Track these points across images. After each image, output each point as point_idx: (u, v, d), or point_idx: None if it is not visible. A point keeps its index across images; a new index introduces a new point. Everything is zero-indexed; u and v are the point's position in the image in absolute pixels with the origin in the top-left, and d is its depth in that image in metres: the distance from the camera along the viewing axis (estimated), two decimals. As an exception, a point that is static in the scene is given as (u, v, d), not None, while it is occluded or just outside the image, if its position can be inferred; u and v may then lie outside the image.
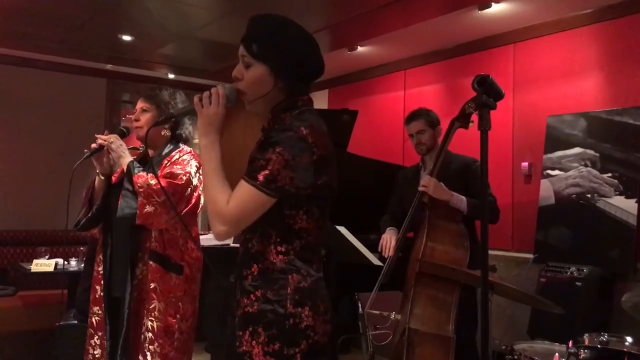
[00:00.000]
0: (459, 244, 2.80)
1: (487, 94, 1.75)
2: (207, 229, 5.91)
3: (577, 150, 3.89)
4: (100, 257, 2.57)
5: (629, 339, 2.37)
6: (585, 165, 3.82)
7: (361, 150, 4.52)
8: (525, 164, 4.26)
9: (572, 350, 2.38)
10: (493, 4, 3.88)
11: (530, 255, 4.01)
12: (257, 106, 1.66)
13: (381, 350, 2.91)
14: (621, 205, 3.60)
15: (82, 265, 4.58)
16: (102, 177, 2.59)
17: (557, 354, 2.51)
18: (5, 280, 5.31)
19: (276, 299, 1.53)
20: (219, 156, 1.61)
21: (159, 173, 2.50)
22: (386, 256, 3.08)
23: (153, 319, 2.42)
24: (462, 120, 2.83)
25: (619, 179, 3.64)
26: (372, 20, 4.50)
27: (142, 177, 2.45)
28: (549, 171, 4.02)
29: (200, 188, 2.54)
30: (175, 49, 5.65)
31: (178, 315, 2.46)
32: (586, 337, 2.43)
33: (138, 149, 2.76)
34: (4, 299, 5.02)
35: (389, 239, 3.15)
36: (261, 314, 1.53)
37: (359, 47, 5.04)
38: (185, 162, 2.52)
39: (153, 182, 2.42)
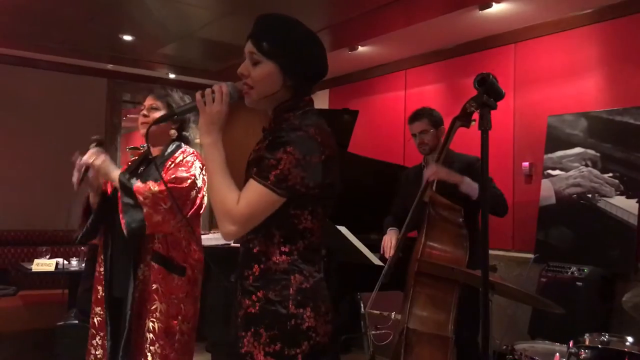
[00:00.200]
0: (458, 243, 2.79)
1: (488, 93, 1.75)
2: (208, 229, 5.92)
3: (577, 150, 3.89)
4: (102, 257, 2.56)
5: (630, 339, 2.37)
6: (586, 165, 3.82)
7: (362, 150, 4.51)
8: (526, 163, 4.26)
9: (573, 350, 2.38)
10: (494, 3, 3.89)
11: (531, 255, 4.01)
12: (261, 105, 1.65)
13: (382, 350, 2.91)
14: (622, 205, 3.60)
15: (83, 265, 4.59)
16: (94, 193, 2.55)
17: (557, 354, 2.51)
18: (6, 280, 5.32)
19: (278, 300, 1.52)
20: (223, 155, 1.60)
21: (163, 174, 2.48)
22: (386, 256, 3.08)
23: (154, 320, 2.41)
24: (463, 119, 2.82)
25: (619, 179, 3.64)
26: (373, 20, 4.50)
27: (142, 187, 2.39)
28: (550, 171, 4.02)
29: (205, 189, 2.52)
30: (175, 48, 5.65)
31: (179, 317, 2.46)
32: (587, 337, 2.43)
33: (139, 149, 2.74)
34: (5, 299, 5.02)
35: (389, 240, 3.16)
36: (263, 314, 1.53)
37: (359, 47, 5.04)
38: (190, 164, 2.50)
39: (156, 188, 2.38)
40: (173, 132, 2.61)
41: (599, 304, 3.53)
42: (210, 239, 4.28)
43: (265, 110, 1.69)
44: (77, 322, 4.00)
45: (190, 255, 2.51)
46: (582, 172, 3.83)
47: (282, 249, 1.56)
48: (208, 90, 1.60)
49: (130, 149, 2.65)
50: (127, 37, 5.30)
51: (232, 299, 1.66)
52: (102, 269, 2.54)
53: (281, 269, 1.55)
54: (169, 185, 2.39)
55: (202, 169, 2.52)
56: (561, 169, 3.96)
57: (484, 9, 3.97)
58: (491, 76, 1.75)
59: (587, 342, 2.39)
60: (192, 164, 2.50)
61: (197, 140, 2.58)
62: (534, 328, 3.69)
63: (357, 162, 4.11)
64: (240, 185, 1.59)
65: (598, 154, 3.78)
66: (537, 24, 4.24)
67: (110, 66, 6.14)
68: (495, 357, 2.82)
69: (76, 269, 4.58)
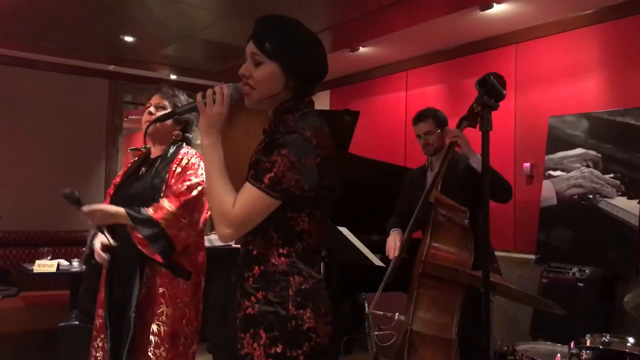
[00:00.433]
0: (463, 245, 2.76)
1: (489, 94, 1.75)
2: (209, 229, 5.91)
3: (579, 150, 3.88)
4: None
5: (631, 340, 2.37)
6: (587, 166, 3.82)
7: (363, 151, 4.52)
8: (527, 164, 4.26)
9: (574, 351, 2.38)
10: (494, 4, 3.89)
11: (532, 256, 4.01)
12: (261, 105, 1.65)
13: (385, 350, 2.91)
14: (623, 206, 3.60)
15: (84, 266, 4.59)
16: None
17: (559, 354, 2.51)
18: (7, 281, 5.33)
19: (278, 301, 1.52)
20: (222, 157, 1.60)
21: (169, 177, 2.46)
22: (390, 257, 3.07)
23: (160, 324, 2.40)
24: (470, 119, 2.82)
25: (621, 179, 3.64)
26: (374, 21, 4.50)
27: (160, 211, 2.36)
28: (551, 172, 4.02)
29: None
30: (177, 49, 5.66)
31: (184, 321, 2.45)
32: (588, 337, 2.43)
33: (140, 150, 2.73)
34: (7, 300, 5.03)
35: (393, 241, 3.15)
36: (262, 315, 1.53)
37: (360, 47, 5.04)
38: (196, 166, 2.48)
39: (173, 208, 2.37)
40: (177, 132, 2.61)
41: (600, 305, 3.53)
42: (212, 239, 4.28)
43: (266, 112, 1.69)
44: (78, 323, 4.00)
45: (196, 259, 2.51)
46: (583, 172, 3.83)
47: (281, 250, 1.56)
48: (209, 92, 1.60)
49: (131, 150, 2.63)
50: (128, 38, 5.30)
51: (232, 300, 1.66)
52: (105, 271, 2.53)
53: (280, 270, 1.55)
54: (183, 199, 2.39)
55: None
56: (562, 170, 3.96)
57: (485, 10, 3.97)
58: (492, 77, 1.76)
59: (588, 343, 2.40)
60: (199, 166, 2.49)
61: (198, 142, 2.57)
62: (535, 329, 3.69)
63: (358, 163, 4.12)
64: (241, 186, 1.59)
65: (599, 155, 3.78)
66: (538, 24, 4.24)
67: (111, 67, 6.15)
68: (497, 358, 2.81)
69: (77, 270, 4.58)
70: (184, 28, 4.98)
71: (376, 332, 2.85)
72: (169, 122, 2.54)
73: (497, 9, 3.95)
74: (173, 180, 2.46)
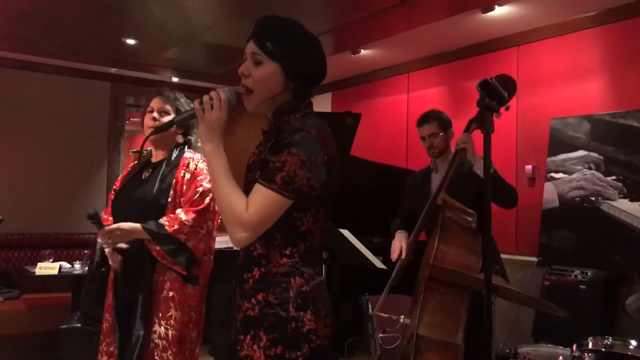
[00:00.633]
0: (471, 249, 2.73)
1: (490, 96, 1.75)
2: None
3: (581, 153, 3.88)
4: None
5: (634, 343, 2.37)
6: (589, 168, 3.82)
7: (364, 153, 4.52)
8: (529, 166, 4.26)
9: (576, 354, 2.38)
10: (496, 6, 3.89)
11: (534, 259, 4.00)
12: (261, 108, 1.64)
13: (389, 353, 2.91)
14: (625, 208, 3.59)
15: (87, 268, 4.60)
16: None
17: (561, 357, 2.50)
18: (10, 283, 5.33)
19: (278, 303, 1.52)
20: (226, 161, 1.58)
21: (177, 183, 2.46)
22: (394, 260, 3.06)
23: (168, 327, 2.39)
24: (479, 121, 2.82)
25: (623, 181, 3.63)
26: (376, 24, 4.51)
27: (177, 224, 2.37)
28: (553, 174, 4.02)
29: None
30: (179, 52, 5.67)
31: (191, 325, 2.46)
32: (590, 340, 2.42)
33: (142, 153, 2.70)
34: (9, 302, 5.04)
35: (399, 243, 3.13)
36: (263, 317, 1.52)
37: (362, 50, 5.04)
38: (205, 172, 2.48)
39: (190, 221, 2.38)
40: (179, 137, 2.61)
41: (602, 307, 3.52)
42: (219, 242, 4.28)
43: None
44: (79, 325, 4.00)
45: (204, 265, 2.51)
46: (586, 175, 3.82)
47: (283, 251, 1.55)
48: (206, 97, 1.58)
49: (133, 152, 2.63)
50: (130, 41, 5.32)
51: (233, 302, 1.66)
52: (112, 275, 2.52)
53: (281, 271, 1.54)
54: (197, 208, 2.40)
55: None
56: (564, 172, 3.95)
57: (487, 12, 3.97)
58: (494, 79, 1.76)
59: (590, 346, 2.39)
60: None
61: (200, 144, 2.57)
62: (538, 331, 3.68)
63: (359, 165, 4.12)
64: (242, 188, 1.58)
65: (601, 157, 3.77)
66: (540, 27, 4.24)
67: (113, 70, 6.16)
68: (499, 360, 2.81)
69: (79, 272, 4.58)
70: (185, 31, 4.99)
71: (380, 335, 2.84)
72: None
73: (498, 11, 3.95)
74: (184, 187, 2.46)
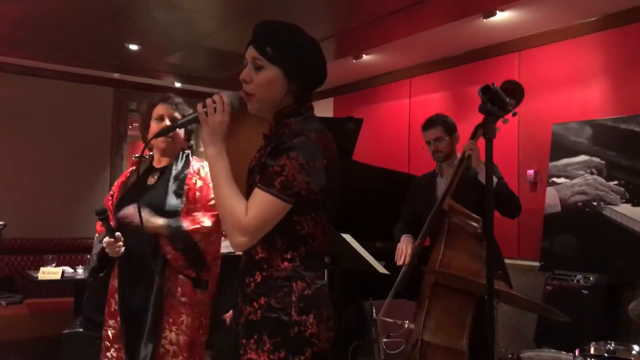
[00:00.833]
0: (476, 254, 2.72)
1: (492, 102, 1.76)
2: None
3: (582, 157, 3.88)
4: (116, 271, 2.50)
5: (636, 348, 2.36)
6: (591, 173, 3.82)
7: (366, 158, 4.52)
8: (530, 171, 4.26)
9: (579, 359, 2.37)
10: (498, 12, 3.89)
11: (536, 263, 4.00)
12: (263, 111, 1.65)
13: (393, 358, 2.90)
14: (627, 213, 3.59)
15: (91, 278, 4.60)
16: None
17: (563, 362, 2.50)
18: (12, 288, 5.34)
19: (280, 307, 1.52)
20: (228, 166, 1.58)
21: (190, 189, 2.47)
22: (400, 264, 3.05)
23: (180, 333, 2.39)
24: (485, 126, 2.81)
25: (625, 186, 3.63)
26: (378, 29, 4.52)
27: (194, 225, 2.39)
28: (555, 179, 4.02)
29: None
30: (181, 57, 5.69)
31: (201, 330, 2.46)
32: (593, 345, 2.42)
33: (145, 157, 2.69)
34: (12, 307, 5.04)
35: (404, 248, 3.12)
36: (265, 321, 1.53)
37: (364, 55, 5.06)
38: None
39: (204, 219, 2.41)
40: (186, 142, 2.61)
41: (604, 312, 3.51)
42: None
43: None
44: (82, 330, 4.01)
45: (213, 270, 2.51)
46: (587, 179, 3.83)
47: (285, 255, 1.55)
48: (209, 101, 1.59)
49: (136, 157, 2.61)
50: (133, 47, 5.34)
51: (234, 306, 1.66)
52: (115, 282, 2.50)
53: (283, 275, 1.54)
54: (215, 213, 2.41)
55: None
56: (566, 177, 3.95)
57: (488, 17, 3.98)
58: (494, 85, 1.76)
59: (593, 351, 2.39)
60: None
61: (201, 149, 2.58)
62: (540, 336, 3.67)
63: (361, 170, 4.12)
64: (243, 192, 1.59)
65: (603, 162, 3.77)
66: (541, 32, 4.24)
67: (116, 75, 6.18)
68: (501, 365, 2.80)
69: (82, 277, 4.59)
70: (188, 36, 5.01)
71: (384, 339, 2.84)
72: (182, 134, 2.55)
73: (500, 16, 3.96)
74: (197, 194, 2.47)
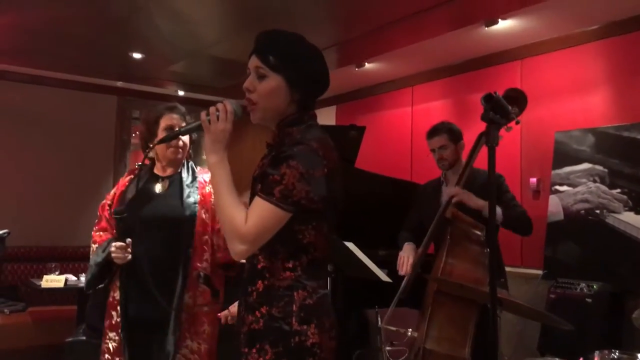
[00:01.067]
0: (480, 262, 2.72)
1: (494, 110, 1.76)
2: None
3: (585, 165, 3.88)
4: (117, 283, 2.46)
5: (640, 357, 2.35)
6: (594, 181, 3.81)
7: (369, 166, 4.52)
8: (533, 179, 4.26)
9: (583, 368, 2.37)
10: (500, 20, 3.91)
11: (540, 272, 3.99)
12: (266, 120, 1.65)
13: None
14: (630, 221, 3.59)
15: (89, 291, 4.60)
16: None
17: (567, 371, 2.49)
18: (15, 296, 5.35)
19: (281, 316, 1.52)
20: (229, 174, 1.59)
21: (205, 197, 2.47)
22: (402, 274, 3.04)
23: (201, 342, 2.40)
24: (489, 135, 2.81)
25: (628, 194, 3.63)
26: (380, 37, 4.53)
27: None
28: (558, 187, 4.02)
29: None
30: (185, 66, 5.71)
31: (217, 338, 2.48)
32: (597, 354, 2.41)
33: (145, 166, 2.66)
34: (15, 315, 5.04)
35: (406, 257, 3.10)
36: (267, 330, 1.53)
37: (366, 63, 5.07)
38: None
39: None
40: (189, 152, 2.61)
41: (608, 321, 3.50)
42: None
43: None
44: (85, 338, 4.00)
45: (222, 278, 2.52)
46: (590, 188, 3.82)
47: (286, 264, 1.56)
48: (212, 109, 1.60)
49: (139, 165, 2.61)
50: (137, 55, 5.36)
51: (237, 315, 1.66)
52: (116, 294, 2.46)
53: (285, 285, 1.55)
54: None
55: None
56: (569, 185, 3.95)
57: (490, 26, 3.99)
58: (496, 93, 1.77)
59: (596, 360, 2.38)
60: None
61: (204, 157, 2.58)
62: (543, 345, 3.66)
63: (364, 178, 4.12)
64: (250, 201, 1.59)
65: (606, 170, 3.77)
66: (544, 40, 4.25)
67: (120, 83, 6.21)
68: (504, 374, 2.80)
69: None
70: (191, 45, 5.03)
71: (388, 348, 2.83)
72: (188, 143, 2.56)
73: (502, 25, 3.97)
74: (212, 201, 2.46)
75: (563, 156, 4.02)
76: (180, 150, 2.51)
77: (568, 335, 2.75)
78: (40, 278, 4.64)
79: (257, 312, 1.55)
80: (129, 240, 2.34)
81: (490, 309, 1.76)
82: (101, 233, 2.55)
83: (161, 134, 2.49)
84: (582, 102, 4.05)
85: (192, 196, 2.47)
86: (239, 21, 4.45)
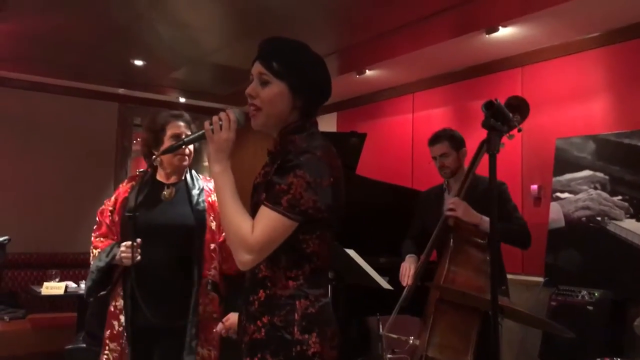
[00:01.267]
0: (482, 270, 2.70)
1: (495, 117, 1.77)
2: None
3: (586, 172, 3.88)
4: (119, 291, 2.44)
5: (642, 364, 2.35)
6: (595, 188, 3.81)
7: (370, 173, 4.52)
8: (534, 186, 4.26)
9: (584, 375, 2.36)
10: (500, 28, 3.92)
11: (541, 279, 3.98)
12: (268, 128, 1.64)
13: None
14: (632, 228, 3.58)
15: (90, 299, 4.59)
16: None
17: (569, 379, 2.48)
18: (15, 303, 5.33)
19: (283, 325, 1.51)
20: (233, 182, 1.58)
21: (210, 207, 2.47)
22: (404, 285, 3.03)
23: (211, 348, 2.42)
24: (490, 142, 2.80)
25: (629, 201, 3.63)
26: (381, 45, 4.55)
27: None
28: (559, 194, 4.01)
29: None
30: (186, 73, 5.72)
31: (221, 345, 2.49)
32: (598, 361, 2.41)
33: (147, 172, 2.66)
34: (14, 322, 5.03)
35: (408, 267, 3.08)
36: (269, 340, 1.52)
37: (367, 70, 5.08)
38: None
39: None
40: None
41: (610, 328, 3.49)
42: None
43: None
44: (85, 345, 3.99)
45: (226, 285, 2.53)
46: (591, 194, 3.82)
47: (288, 273, 1.55)
48: (215, 118, 1.59)
49: (141, 171, 2.61)
50: (138, 62, 5.37)
51: (238, 324, 1.66)
52: (117, 303, 2.43)
53: (287, 294, 1.54)
54: None
55: None
56: (570, 192, 3.95)
57: (491, 33, 4.01)
58: (497, 101, 1.78)
59: (598, 367, 2.37)
60: None
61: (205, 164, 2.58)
62: (545, 352, 3.65)
63: (365, 184, 4.12)
64: (248, 209, 1.58)
65: (607, 177, 3.77)
66: (544, 47, 4.26)
67: (121, 90, 6.22)
68: (506, 382, 2.78)
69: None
70: (193, 52, 5.04)
71: (389, 355, 2.82)
72: (193, 151, 2.56)
73: (503, 32, 3.98)
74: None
75: (564, 163, 4.02)
76: (187, 157, 2.52)
77: (569, 343, 2.74)
78: (41, 285, 4.63)
79: (258, 322, 1.54)
80: (139, 240, 2.30)
81: (492, 317, 1.75)
82: (102, 239, 2.53)
83: (167, 142, 2.47)
84: (583, 109, 4.05)
85: (201, 204, 2.48)
86: (240, 28, 4.46)
